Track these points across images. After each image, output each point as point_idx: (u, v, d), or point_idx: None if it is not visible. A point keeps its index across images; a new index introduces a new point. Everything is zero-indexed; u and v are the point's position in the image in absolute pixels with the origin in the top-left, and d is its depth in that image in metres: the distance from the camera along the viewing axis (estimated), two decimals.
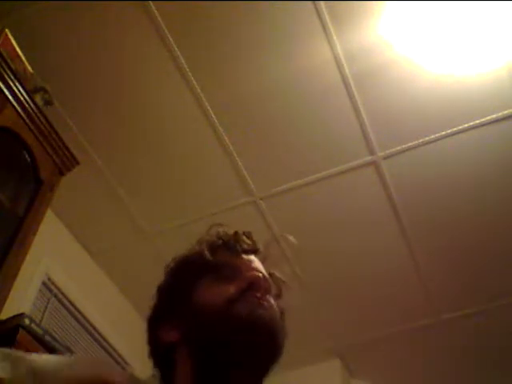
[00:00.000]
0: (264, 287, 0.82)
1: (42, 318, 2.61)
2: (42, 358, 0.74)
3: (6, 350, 0.72)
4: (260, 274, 0.84)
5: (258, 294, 0.80)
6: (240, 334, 0.76)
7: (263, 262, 0.91)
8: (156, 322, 0.86)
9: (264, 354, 0.78)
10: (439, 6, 2.17)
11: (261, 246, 0.94)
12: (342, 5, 2.19)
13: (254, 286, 0.81)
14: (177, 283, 0.89)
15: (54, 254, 2.74)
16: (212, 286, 0.83)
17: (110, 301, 3.12)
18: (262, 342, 0.76)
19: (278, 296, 0.87)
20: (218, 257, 0.88)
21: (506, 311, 3.12)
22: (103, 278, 3.09)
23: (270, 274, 0.89)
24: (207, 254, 0.89)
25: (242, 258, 0.88)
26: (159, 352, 0.83)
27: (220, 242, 0.92)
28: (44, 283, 2.67)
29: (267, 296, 0.82)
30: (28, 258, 2.02)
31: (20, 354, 0.72)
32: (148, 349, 0.85)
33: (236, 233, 0.93)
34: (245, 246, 0.90)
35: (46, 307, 2.66)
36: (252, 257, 0.90)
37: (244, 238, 0.93)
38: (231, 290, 0.80)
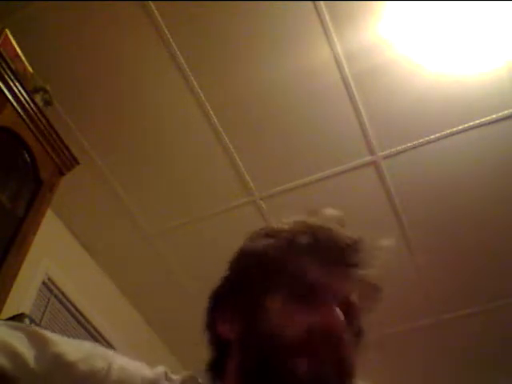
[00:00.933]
0: (336, 345, 0.68)
1: (42, 317, 2.61)
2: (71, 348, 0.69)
3: (34, 330, 0.69)
4: (340, 322, 0.69)
5: (327, 351, 0.67)
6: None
7: (362, 280, 0.74)
8: (216, 310, 0.77)
9: None
10: (439, 6, 2.17)
11: (366, 260, 0.75)
12: (342, 5, 2.19)
13: (326, 336, 0.68)
14: (249, 279, 0.76)
15: (53, 254, 2.74)
16: (287, 303, 0.70)
17: (110, 301, 3.12)
18: None
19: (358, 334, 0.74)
20: (306, 265, 0.72)
21: (506, 311, 3.12)
22: (103, 277, 3.09)
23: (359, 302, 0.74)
24: (292, 260, 0.73)
25: (335, 276, 0.72)
26: (214, 341, 0.77)
27: (315, 242, 0.74)
28: (44, 283, 2.67)
29: (337, 360, 0.68)
30: (28, 258, 2.02)
31: (43, 333, 0.68)
32: (204, 332, 0.79)
33: (340, 236, 0.75)
34: (347, 259, 0.73)
35: (46, 307, 2.66)
36: (349, 274, 0.73)
37: (351, 248, 0.75)
38: (308, 322, 0.68)
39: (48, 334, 0.69)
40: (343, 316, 0.69)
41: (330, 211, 0.82)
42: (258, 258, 0.76)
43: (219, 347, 0.76)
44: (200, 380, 0.74)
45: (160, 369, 0.74)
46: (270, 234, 0.78)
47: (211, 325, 0.78)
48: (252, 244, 0.79)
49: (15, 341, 0.65)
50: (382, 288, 0.77)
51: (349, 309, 0.72)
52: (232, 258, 0.82)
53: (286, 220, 0.81)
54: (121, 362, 0.70)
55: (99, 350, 0.71)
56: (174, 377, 0.73)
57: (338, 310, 0.69)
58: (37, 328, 0.70)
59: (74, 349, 0.69)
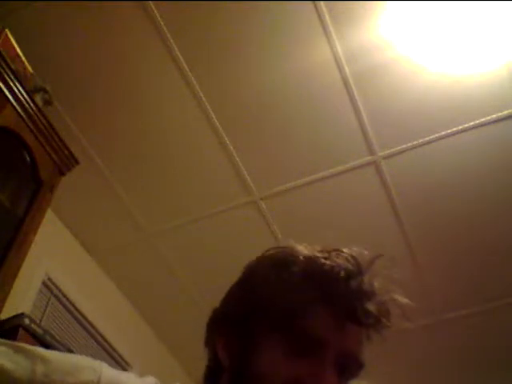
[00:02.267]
0: None
1: (42, 317, 2.61)
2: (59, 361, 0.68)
3: (21, 344, 0.69)
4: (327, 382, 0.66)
5: None
6: None
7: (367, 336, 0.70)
8: (216, 332, 0.76)
9: None
10: (439, 6, 2.17)
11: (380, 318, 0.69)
12: (341, 5, 2.19)
13: None
14: (247, 316, 0.72)
15: (54, 254, 2.74)
16: (279, 353, 0.67)
17: (109, 301, 3.12)
18: None
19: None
20: (310, 318, 0.67)
21: (506, 311, 3.12)
22: (103, 277, 3.09)
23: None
24: (296, 312, 0.67)
25: (339, 332, 0.67)
26: (212, 357, 0.76)
27: (325, 292, 0.68)
28: (44, 283, 2.67)
29: None
30: (28, 257, 2.02)
31: (37, 351, 0.68)
32: (204, 347, 0.77)
33: (355, 289, 0.68)
34: (358, 318, 0.67)
35: (46, 307, 2.66)
36: (356, 330, 0.69)
37: (363, 298, 0.68)
38: (297, 378, 0.65)
39: (35, 348, 0.69)
40: (335, 374, 0.66)
41: (350, 251, 0.73)
42: (260, 296, 0.72)
43: (216, 363, 0.75)
44: None
45: (150, 380, 0.74)
46: (277, 266, 0.73)
47: (211, 343, 0.77)
48: (258, 274, 0.75)
49: (2, 358, 0.65)
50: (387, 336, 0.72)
51: (347, 360, 0.69)
52: (238, 279, 0.78)
53: (297, 247, 0.75)
54: (110, 373, 0.69)
55: (87, 361, 0.70)
56: None
57: (330, 369, 0.66)
58: (22, 344, 0.69)
59: (61, 362, 0.68)
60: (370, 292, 0.69)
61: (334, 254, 0.72)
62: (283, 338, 0.68)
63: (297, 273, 0.71)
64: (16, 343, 0.69)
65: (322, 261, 0.70)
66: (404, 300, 0.72)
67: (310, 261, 0.71)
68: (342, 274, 0.69)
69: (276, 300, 0.70)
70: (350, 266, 0.70)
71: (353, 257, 0.71)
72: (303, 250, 0.74)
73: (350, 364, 0.69)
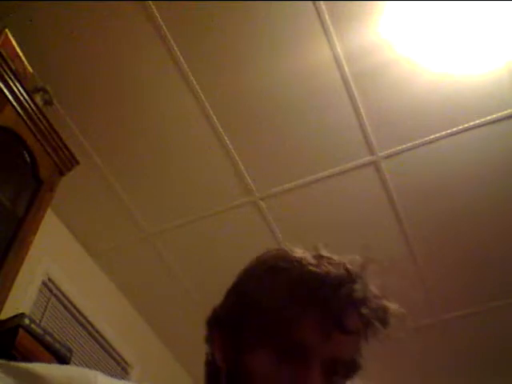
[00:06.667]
0: None
1: (42, 317, 2.61)
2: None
3: (11, 363, 0.66)
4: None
5: None
6: None
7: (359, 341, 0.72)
8: (213, 333, 0.77)
9: None
10: (439, 6, 2.17)
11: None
12: (341, 5, 2.19)
13: None
14: (240, 321, 0.74)
15: (54, 254, 2.74)
16: (268, 360, 0.69)
17: (109, 301, 3.13)
18: None
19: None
20: (299, 325, 0.68)
21: (505, 311, 3.12)
22: (103, 277, 3.09)
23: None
24: (285, 319, 0.69)
25: (327, 341, 0.68)
26: (210, 360, 0.78)
27: (315, 300, 0.68)
28: (44, 283, 2.67)
29: None
30: (28, 258, 2.02)
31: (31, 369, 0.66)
32: (205, 344, 0.79)
33: (344, 298, 0.69)
34: (346, 328, 0.68)
35: (46, 307, 2.66)
36: (346, 339, 0.70)
37: (351, 306, 0.69)
38: (279, 378, 0.68)
39: (28, 366, 0.67)
40: (323, 372, 0.68)
41: (342, 258, 0.74)
42: (252, 301, 0.73)
43: (214, 364, 0.77)
44: None
45: None
46: (270, 271, 0.74)
47: (210, 343, 0.78)
48: (251, 279, 0.76)
49: None
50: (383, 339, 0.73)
51: (335, 364, 0.70)
52: (233, 283, 0.79)
53: (291, 252, 0.75)
54: (106, 381, 0.69)
55: (82, 372, 0.69)
56: None
57: (315, 372, 0.67)
58: (14, 363, 0.67)
59: (55, 376, 0.66)
60: (360, 300, 0.70)
61: (325, 260, 0.73)
62: (272, 342, 0.69)
63: (288, 279, 0.71)
64: (7, 362, 0.67)
65: (313, 268, 0.71)
66: (396, 308, 0.73)
67: (302, 267, 0.72)
68: (332, 281, 0.69)
69: (266, 305, 0.71)
70: (340, 274, 0.71)
71: (344, 264, 0.72)
72: (297, 255, 0.74)
73: (338, 369, 0.70)
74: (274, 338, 0.69)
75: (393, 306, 0.73)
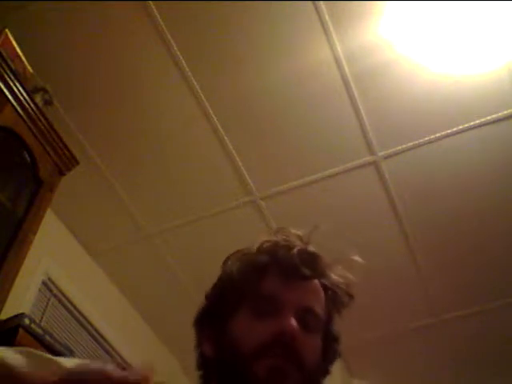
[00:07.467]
0: (290, 345, 0.77)
1: (42, 317, 2.61)
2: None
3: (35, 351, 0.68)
4: (292, 328, 0.78)
5: (282, 352, 0.76)
6: None
7: (321, 286, 0.84)
8: (200, 331, 0.86)
9: None
10: (439, 6, 2.17)
11: (322, 269, 0.85)
12: (341, 5, 2.19)
13: (280, 341, 0.77)
14: (220, 299, 0.85)
15: (54, 254, 2.74)
16: (248, 320, 0.80)
17: (109, 300, 3.12)
18: None
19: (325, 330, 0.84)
20: (265, 282, 0.81)
21: (505, 311, 3.13)
22: (103, 277, 3.09)
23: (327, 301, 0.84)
24: (252, 280, 0.82)
25: (291, 289, 0.81)
26: (201, 361, 0.84)
27: (273, 260, 0.83)
28: (44, 283, 2.67)
29: (292, 355, 0.77)
30: (28, 258, 2.02)
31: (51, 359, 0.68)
32: (194, 349, 0.86)
33: (296, 253, 0.83)
34: (301, 272, 0.82)
35: (46, 307, 2.66)
36: (305, 285, 0.83)
37: (304, 259, 0.83)
38: (264, 334, 0.77)
39: (42, 352, 0.69)
40: (297, 322, 0.78)
41: (292, 229, 0.89)
42: (227, 282, 0.86)
43: (205, 366, 0.84)
44: None
45: None
46: (239, 257, 0.88)
47: (197, 345, 0.85)
48: (225, 268, 0.88)
49: (13, 360, 0.64)
50: (349, 295, 0.87)
51: (305, 314, 0.81)
52: (215, 281, 0.90)
53: (257, 240, 0.89)
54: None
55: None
56: None
57: (291, 319, 0.78)
58: (29, 348, 0.69)
59: (68, 363, 0.68)
60: (312, 254, 0.84)
61: (285, 234, 0.88)
62: (249, 304, 0.81)
63: (251, 252, 0.87)
64: (24, 348, 0.68)
65: (275, 239, 0.86)
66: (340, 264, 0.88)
67: (268, 242, 0.87)
68: (288, 245, 0.84)
69: (237, 277, 0.84)
70: (294, 240, 0.86)
71: (298, 234, 0.88)
72: (269, 237, 0.88)
73: (308, 319, 0.81)
74: (248, 299, 0.81)
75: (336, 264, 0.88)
